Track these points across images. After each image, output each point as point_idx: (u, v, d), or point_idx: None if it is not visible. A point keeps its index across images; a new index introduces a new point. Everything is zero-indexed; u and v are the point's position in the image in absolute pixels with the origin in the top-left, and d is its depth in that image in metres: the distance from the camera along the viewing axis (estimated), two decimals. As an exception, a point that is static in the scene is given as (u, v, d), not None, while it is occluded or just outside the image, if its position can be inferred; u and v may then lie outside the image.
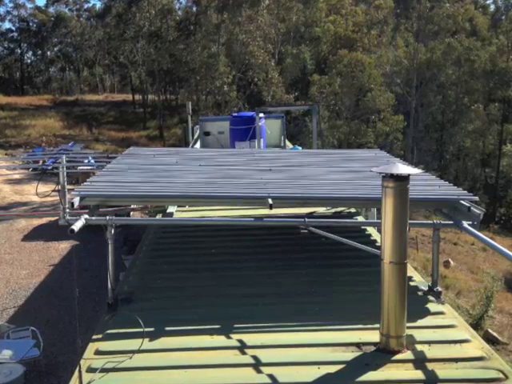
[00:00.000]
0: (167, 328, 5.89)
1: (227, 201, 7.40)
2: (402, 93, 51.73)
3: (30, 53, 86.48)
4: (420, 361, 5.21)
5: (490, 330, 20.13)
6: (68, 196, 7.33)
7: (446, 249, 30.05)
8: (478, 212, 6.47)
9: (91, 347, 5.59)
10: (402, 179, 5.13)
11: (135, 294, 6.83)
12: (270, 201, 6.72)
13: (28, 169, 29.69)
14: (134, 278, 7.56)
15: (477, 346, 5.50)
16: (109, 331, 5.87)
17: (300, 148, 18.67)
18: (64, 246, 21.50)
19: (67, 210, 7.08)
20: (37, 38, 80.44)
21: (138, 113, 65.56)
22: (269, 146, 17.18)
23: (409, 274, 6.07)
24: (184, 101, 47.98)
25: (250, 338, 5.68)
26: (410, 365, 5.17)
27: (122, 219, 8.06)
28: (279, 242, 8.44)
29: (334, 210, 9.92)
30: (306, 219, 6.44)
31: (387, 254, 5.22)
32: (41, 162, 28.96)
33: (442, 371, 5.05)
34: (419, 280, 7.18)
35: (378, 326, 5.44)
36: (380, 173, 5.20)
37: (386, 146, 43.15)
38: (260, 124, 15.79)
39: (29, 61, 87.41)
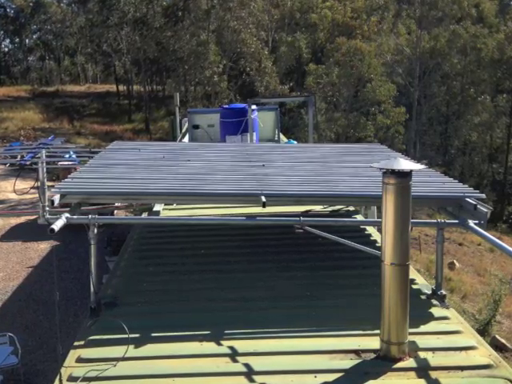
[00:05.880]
0: (153, 334, 5.88)
1: (217, 198, 7.40)
2: (403, 83, 51.82)
3: (8, 41, 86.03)
4: (423, 369, 5.21)
5: (497, 337, 20.21)
6: (48, 193, 7.34)
7: (450, 249, 30.11)
8: (485, 210, 6.48)
9: (72, 354, 5.57)
10: (404, 175, 5.13)
11: (119, 297, 6.81)
12: (264, 198, 6.72)
13: (5, 164, 29.60)
14: (118, 280, 7.55)
15: (483, 353, 5.50)
16: (91, 337, 5.85)
17: (295, 142, 18.69)
18: (44, 247, 21.45)
19: (47, 209, 7.09)
20: (14, 24, 79.89)
21: (122, 105, 65.37)
22: (262, 139, 17.18)
23: (411, 277, 6.07)
24: (171, 92, 48.00)
25: (242, 345, 5.67)
26: (413, 373, 5.17)
27: (105, 218, 8.06)
28: (273, 243, 8.44)
29: (331, 209, 9.92)
30: (302, 218, 6.43)
31: (388, 255, 5.22)
32: (19, 156, 28.86)
33: (447, 380, 5.06)
34: (422, 283, 7.19)
35: (378, 331, 5.44)
36: (380, 169, 5.19)
37: (386, 139, 43.25)
38: (252, 116, 15.77)
39: (6, 49, 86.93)
